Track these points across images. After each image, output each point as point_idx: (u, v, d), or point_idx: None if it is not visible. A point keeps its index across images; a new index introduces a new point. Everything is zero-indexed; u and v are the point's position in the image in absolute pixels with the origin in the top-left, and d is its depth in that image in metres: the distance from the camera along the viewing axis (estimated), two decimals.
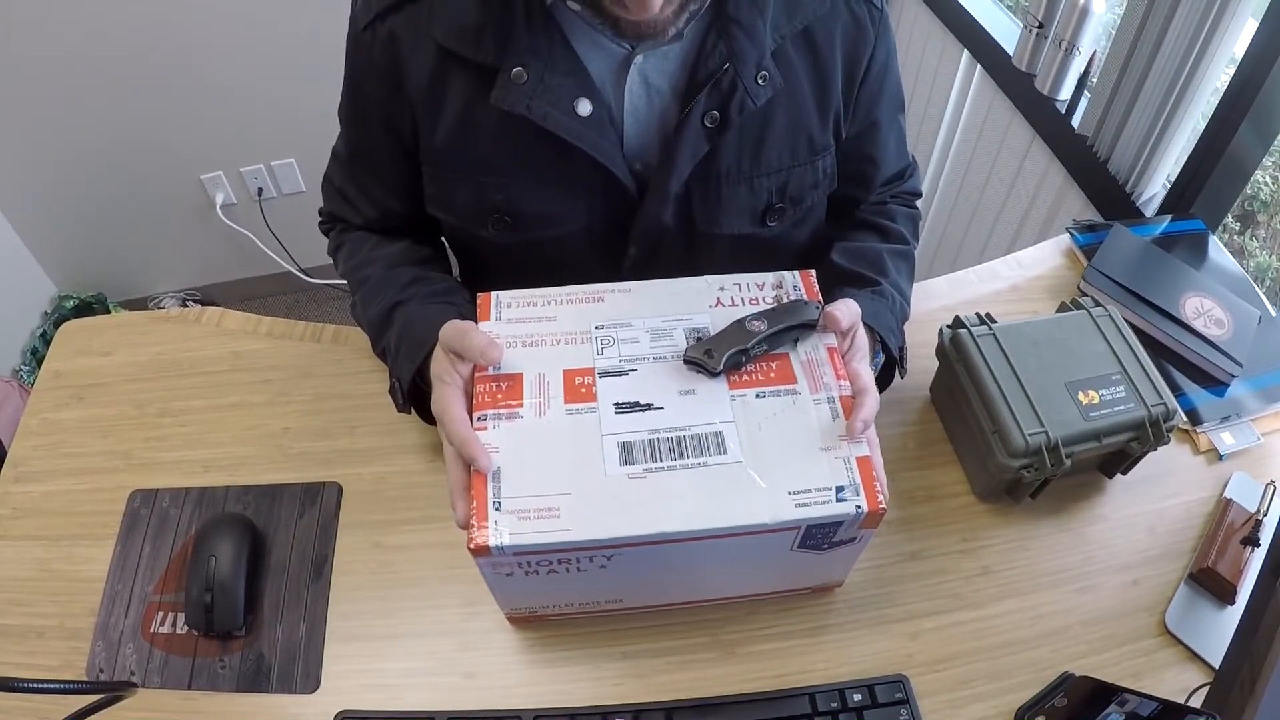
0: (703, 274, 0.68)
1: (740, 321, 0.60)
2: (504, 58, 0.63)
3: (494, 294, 0.64)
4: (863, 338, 0.64)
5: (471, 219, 0.74)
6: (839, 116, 0.75)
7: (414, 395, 0.70)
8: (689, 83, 0.68)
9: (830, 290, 0.72)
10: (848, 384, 0.60)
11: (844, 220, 0.85)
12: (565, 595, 0.63)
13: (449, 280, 0.77)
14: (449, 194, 0.74)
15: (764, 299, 0.65)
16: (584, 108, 0.66)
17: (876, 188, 0.84)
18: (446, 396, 0.58)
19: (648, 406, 0.58)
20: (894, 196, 0.86)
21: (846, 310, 0.61)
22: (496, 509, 0.53)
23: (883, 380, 0.73)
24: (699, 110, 0.67)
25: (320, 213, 0.85)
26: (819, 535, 0.57)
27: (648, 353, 0.61)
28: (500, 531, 0.52)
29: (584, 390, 0.59)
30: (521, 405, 0.58)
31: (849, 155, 0.79)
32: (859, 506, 0.54)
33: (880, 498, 0.55)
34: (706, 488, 0.54)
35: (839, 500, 0.54)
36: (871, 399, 0.58)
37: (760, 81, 0.67)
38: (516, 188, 0.72)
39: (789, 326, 0.61)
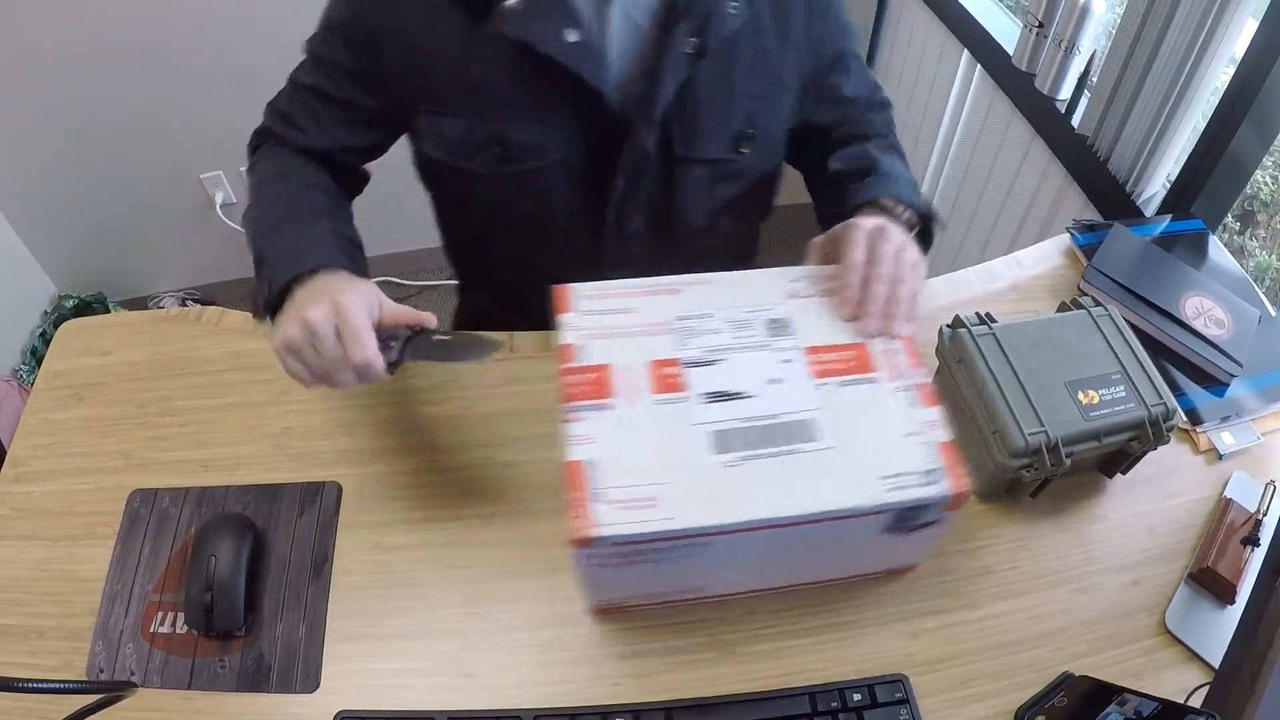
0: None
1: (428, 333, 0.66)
2: None
3: (572, 287, 0.66)
4: (891, 233, 0.68)
5: (462, 154, 0.78)
6: (801, 55, 0.80)
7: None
8: (667, 13, 0.73)
9: (834, 194, 0.80)
10: (924, 371, 0.62)
11: (828, 145, 0.88)
12: (655, 585, 0.64)
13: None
14: (441, 130, 0.77)
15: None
16: (572, 35, 0.70)
17: (852, 114, 0.88)
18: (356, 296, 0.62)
19: (737, 395, 0.60)
20: (867, 109, 0.91)
21: (860, 232, 0.67)
22: (596, 500, 0.54)
23: (924, 242, 0.78)
24: (680, 36, 0.72)
25: (254, 133, 0.84)
26: (906, 518, 0.59)
27: (731, 343, 0.63)
28: (602, 522, 0.53)
29: (672, 381, 0.60)
30: (611, 397, 0.59)
31: (822, 93, 0.85)
32: (946, 490, 0.56)
33: (965, 480, 0.57)
34: (800, 474, 0.56)
35: (927, 484, 0.56)
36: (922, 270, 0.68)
37: (733, 10, 0.72)
38: (506, 118, 0.75)
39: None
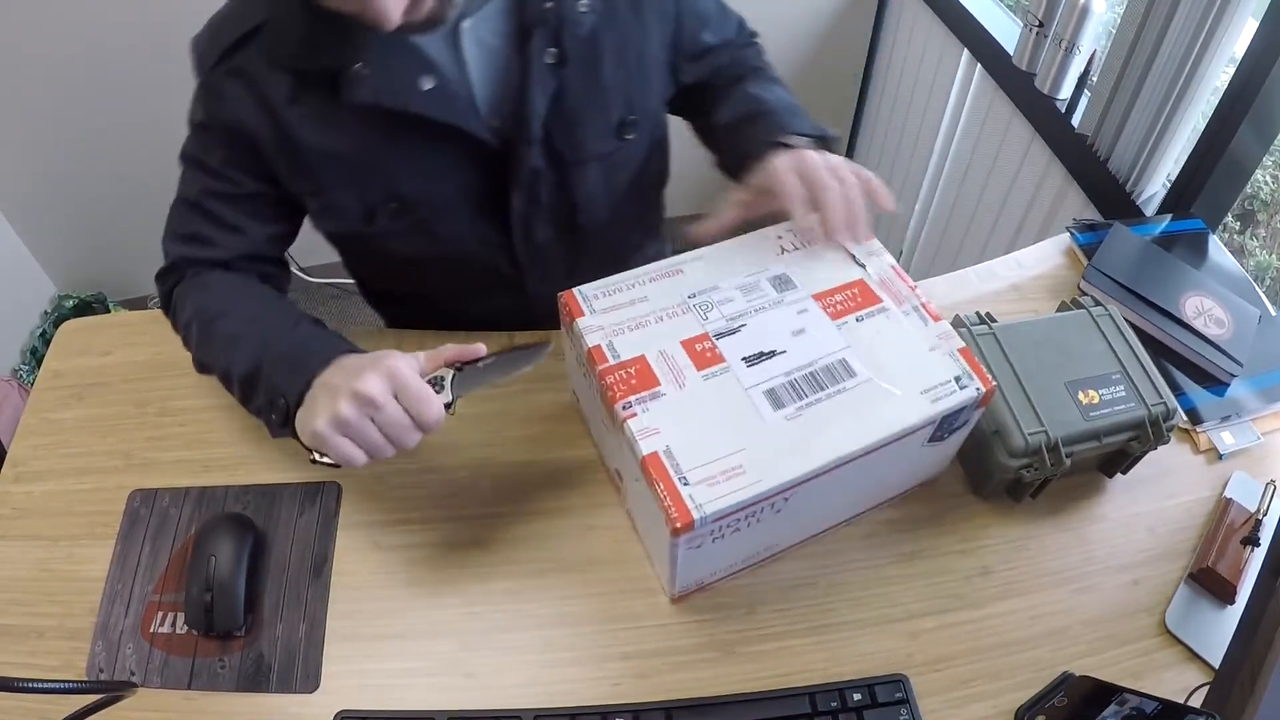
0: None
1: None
2: (344, 59, 0.67)
3: (576, 290, 0.67)
4: (806, 156, 0.70)
5: (360, 220, 0.78)
6: (662, 24, 0.80)
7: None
8: (520, 30, 0.72)
9: (729, 144, 0.81)
10: (922, 292, 0.67)
11: (711, 96, 0.88)
12: (739, 553, 0.66)
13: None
14: (334, 205, 0.77)
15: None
16: (427, 83, 0.69)
17: (724, 61, 0.88)
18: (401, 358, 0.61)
19: (772, 354, 0.63)
20: (738, 49, 0.90)
21: (781, 176, 0.68)
22: (685, 484, 0.56)
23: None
24: (538, 51, 0.71)
25: (160, 275, 0.81)
26: (945, 425, 0.63)
27: (747, 308, 0.66)
28: (698, 503, 0.55)
29: (709, 354, 0.63)
30: (659, 384, 0.61)
31: (691, 53, 0.84)
32: (978, 388, 0.62)
33: (988, 376, 0.62)
34: (854, 408, 0.60)
35: (961, 388, 0.61)
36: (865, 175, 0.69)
37: (583, 9, 0.72)
38: (393, 177, 0.75)
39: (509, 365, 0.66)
